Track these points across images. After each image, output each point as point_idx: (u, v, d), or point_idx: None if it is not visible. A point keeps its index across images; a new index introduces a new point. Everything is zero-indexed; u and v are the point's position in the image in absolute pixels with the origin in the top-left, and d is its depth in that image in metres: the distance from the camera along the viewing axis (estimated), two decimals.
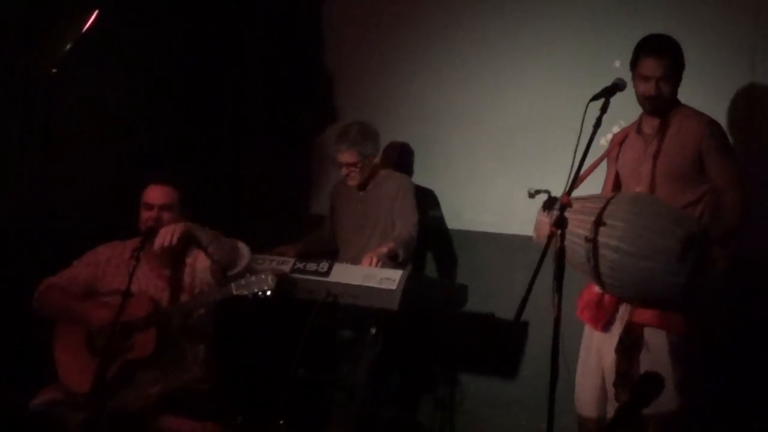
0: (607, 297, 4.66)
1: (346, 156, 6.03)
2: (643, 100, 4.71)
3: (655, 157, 4.69)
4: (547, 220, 4.42)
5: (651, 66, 4.64)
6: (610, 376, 4.62)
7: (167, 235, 4.76)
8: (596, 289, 4.68)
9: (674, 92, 4.69)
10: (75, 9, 5.33)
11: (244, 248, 4.98)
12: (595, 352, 4.74)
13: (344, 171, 6.09)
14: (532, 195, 4.48)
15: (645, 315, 4.53)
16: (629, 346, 4.56)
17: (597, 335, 4.74)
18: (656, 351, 4.50)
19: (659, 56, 4.64)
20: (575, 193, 4.38)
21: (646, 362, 4.49)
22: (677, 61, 4.67)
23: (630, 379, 4.51)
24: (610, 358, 4.63)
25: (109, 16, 5.35)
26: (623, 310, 4.63)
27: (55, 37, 5.31)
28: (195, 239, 4.87)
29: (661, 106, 4.69)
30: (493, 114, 6.40)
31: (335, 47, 7.14)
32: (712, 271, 4.35)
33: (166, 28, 6.52)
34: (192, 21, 6.72)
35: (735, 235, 4.56)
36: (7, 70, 5.52)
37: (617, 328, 4.64)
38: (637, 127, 4.82)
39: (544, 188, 4.51)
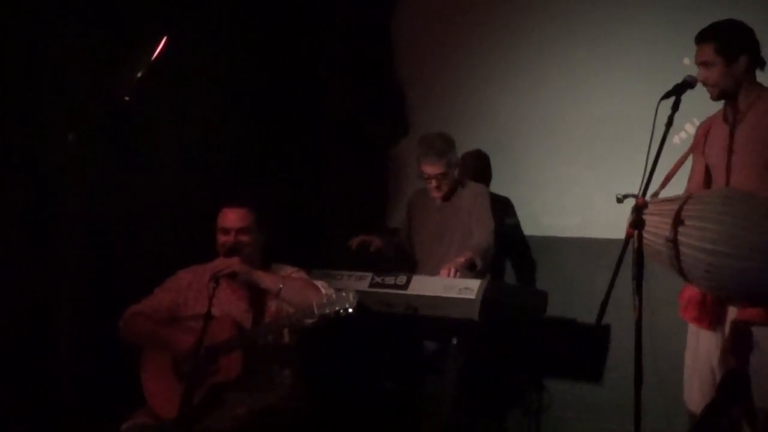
0: (709, 295, 4.59)
1: (435, 167, 6.01)
2: None
3: (731, 144, 4.60)
4: None
5: (695, 54, 4.61)
6: (720, 374, 4.56)
7: (221, 267, 4.81)
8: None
9: (725, 76, 4.55)
10: (146, 36, 5.41)
11: (323, 292, 4.86)
12: (704, 351, 4.65)
13: (433, 183, 6.06)
14: (620, 200, 4.41)
15: (751, 312, 4.43)
16: (737, 343, 4.49)
17: (704, 333, 4.65)
18: (767, 348, 4.42)
19: (697, 43, 4.60)
20: (663, 194, 4.39)
21: (757, 361, 4.43)
22: (720, 45, 4.54)
23: (747, 378, 4.45)
24: (718, 355, 4.57)
25: (182, 38, 5.42)
26: (730, 308, 4.54)
27: (128, 65, 5.38)
28: (252, 283, 4.91)
29: (714, 92, 4.61)
30: (567, 118, 6.40)
31: (407, 59, 7.18)
32: None
33: (241, 47, 6.58)
34: (265, 39, 6.78)
35: None
36: (87, 97, 5.61)
37: (725, 326, 4.55)
38: (723, 114, 4.71)
39: (631, 192, 4.43)
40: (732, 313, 4.52)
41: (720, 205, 4.31)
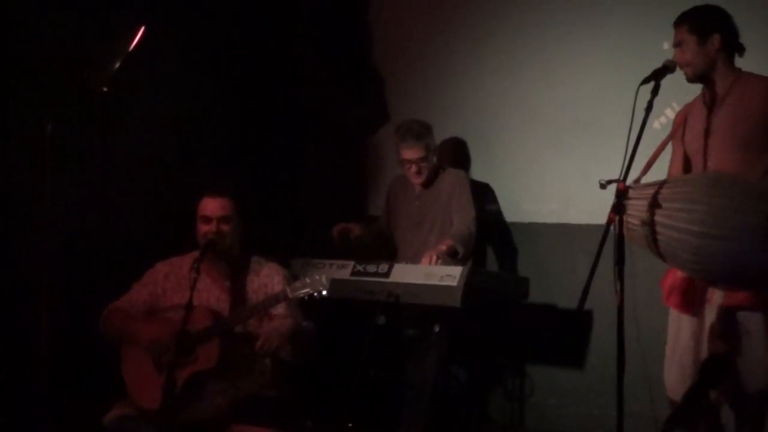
0: (696, 281, 4.55)
1: (415, 152, 6.02)
2: None
3: (708, 127, 4.60)
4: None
5: (673, 38, 4.64)
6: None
7: (267, 345, 4.78)
8: (681, 273, 4.60)
9: (698, 55, 4.56)
10: (123, 26, 5.37)
11: None
12: (686, 337, 4.62)
13: (413, 168, 6.06)
14: (603, 186, 4.38)
15: (738, 297, 4.42)
16: (726, 328, 4.46)
17: (686, 319, 4.63)
18: (756, 333, 4.42)
19: (674, 27, 4.64)
20: (644, 180, 4.37)
21: (746, 345, 4.42)
22: (692, 24, 4.57)
23: (727, 363, 4.45)
24: (704, 342, 4.54)
25: (157, 28, 5.39)
26: (712, 293, 4.52)
27: (105, 55, 5.35)
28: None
29: (689, 72, 4.61)
30: (546, 103, 6.39)
31: (384, 46, 7.16)
32: None
33: (217, 36, 6.56)
34: (242, 27, 6.75)
35: None
36: (64, 88, 5.58)
37: (708, 312, 4.53)
38: (702, 98, 4.70)
39: (613, 178, 4.38)
40: (716, 298, 4.50)
41: (708, 187, 4.28)
